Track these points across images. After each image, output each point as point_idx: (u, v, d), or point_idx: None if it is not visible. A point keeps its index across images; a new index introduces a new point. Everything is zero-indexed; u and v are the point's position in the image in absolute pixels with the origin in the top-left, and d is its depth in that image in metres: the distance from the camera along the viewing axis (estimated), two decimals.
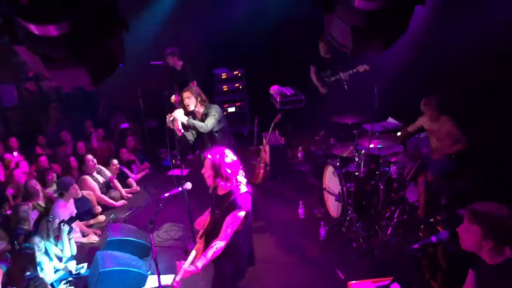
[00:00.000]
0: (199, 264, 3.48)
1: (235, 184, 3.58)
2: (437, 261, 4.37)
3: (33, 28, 1.11)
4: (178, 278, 3.54)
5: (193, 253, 3.75)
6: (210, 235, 3.65)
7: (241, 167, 3.68)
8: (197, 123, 5.32)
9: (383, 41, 1.34)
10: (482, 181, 5.35)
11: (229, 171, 3.54)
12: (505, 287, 2.59)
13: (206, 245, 3.64)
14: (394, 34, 1.34)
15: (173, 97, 6.59)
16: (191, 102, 5.40)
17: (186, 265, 3.58)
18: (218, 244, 3.49)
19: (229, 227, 3.49)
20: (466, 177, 5.57)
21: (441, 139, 5.74)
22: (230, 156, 3.62)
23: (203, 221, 3.95)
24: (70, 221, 5.52)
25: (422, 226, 5.45)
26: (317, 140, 8.26)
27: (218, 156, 3.58)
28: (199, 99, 5.42)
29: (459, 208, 4.99)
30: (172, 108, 6.18)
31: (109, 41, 1.21)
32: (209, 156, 3.61)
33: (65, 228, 5.38)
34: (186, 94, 5.41)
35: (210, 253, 3.48)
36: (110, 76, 1.33)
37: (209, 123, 5.32)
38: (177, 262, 3.68)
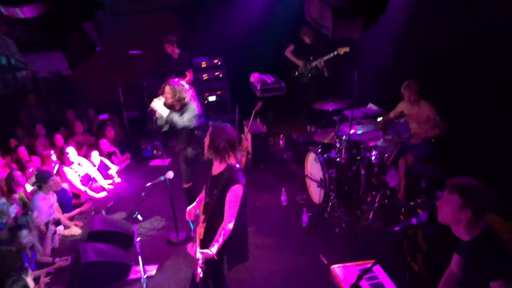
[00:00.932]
0: (214, 249, 3.43)
1: (229, 161, 3.58)
2: (418, 243, 4.45)
3: (6, 11, 1.08)
4: (200, 261, 3.41)
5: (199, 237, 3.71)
6: (213, 217, 3.60)
7: (238, 147, 3.70)
8: (174, 118, 5.22)
9: (363, 22, 1.34)
10: (459, 164, 5.44)
11: (222, 145, 3.55)
12: (487, 257, 2.64)
13: (209, 228, 3.62)
14: (373, 15, 1.34)
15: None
16: (169, 98, 5.28)
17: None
18: (227, 227, 3.47)
19: (231, 204, 3.49)
20: (445, 161, 5.66)
21: (421, 123, 5.80)
22: (229, 132, 3.62)
23: (195, 209, 3.92)
24: (56, 224, 5.51)
25: (402, 209, 5.51)
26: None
27: (218, 127, 3.62)
28: (175, 99, 5.25)
29: (438, 191, 5.08)
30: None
31: (86, 24, 1.19)
32: (212, 125, 3.69)
33: (51, 229, 5.39)
34: (166, 89, 5.29)
35: (221, 238, 3.47)
36: (87, 60, 1.30)
37: (186, 119, 5.23)
38: (190, 245, 3.68)
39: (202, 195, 3.89)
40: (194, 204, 3.95)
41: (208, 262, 3.50)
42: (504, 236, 2.80)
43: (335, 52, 7.13)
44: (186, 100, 5.27)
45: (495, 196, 2.69)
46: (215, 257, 3.44)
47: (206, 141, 3.65)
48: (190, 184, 5.61)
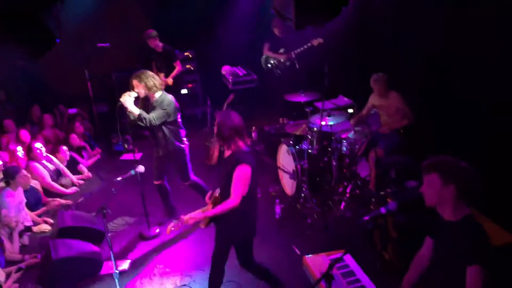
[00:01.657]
0: (208, 213, 3.67)
1: (237, 145, 3.71)
2: (388, 232, 4.54)
3: None
4: (185, 218, 3.68)
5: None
6: (223, 198, 3.76)
7: (245, 132, 3.81)
8: (143, 114, 5.03)
9: (326, 13, 1.36)
10: (427, 154, 5.55)
11: (228, 133, 3.66)
12: (469, 240, 2.68)
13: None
14: (336, 6, 1.35)
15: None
16: (140, 90, 5.10)
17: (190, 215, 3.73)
18: (230, 201, 3.62)
19: (237, 182, 3.60)
20: (414, 151, 5.77)
21: (390, 114, 5.90)
22: (234, 120, 3.73)
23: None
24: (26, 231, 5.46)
25: (373, 199, 5.62)
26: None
27: (223, 116, 3.76)
28: (148, 88, 5.08)
29: (407, 180, 5.18)
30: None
31: (44, 16, 1.16)
32: (217, 114, 3.88)
33: (20, 227, 5.29)
34: (134, 82, 5.10)
35: (219, 207, 3.65)
36: (48, 52, 1.27)
37: (156, 117, 5.07)
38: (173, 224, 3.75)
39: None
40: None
41: (223, 238, 3.85)
42: None
43: (309, 44, 7.14)
44: (157, 88, 5.15)
45: (473, 171, 2.67)
46: (204, 218, 3.69)
47: (215, 130, 3.78)
48: (160, 181, 5.57)
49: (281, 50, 7.76)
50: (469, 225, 2.70)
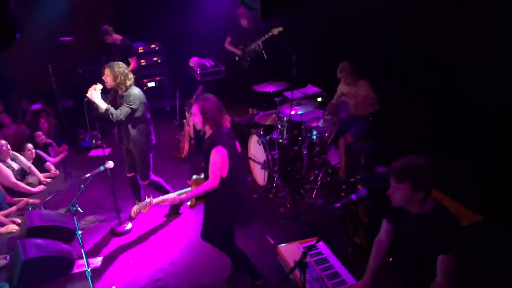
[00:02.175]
0: (183, 196, 3.76)
1: (219, 124, 3.81)
2: (359, 218, 4.62)
3: None
4: (154, 201, 3.74)
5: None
6: (206, 179, 3.82)
7: (225, 112, 3.90)
8: (109, 110, 4.95)
9: (292, 5, 1.36)
10: (395, 139, 5.67)
11: (215, 112, 3.79)
12: (433, 234, 2.78)
13: None
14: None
15: None
16: (108, 80, 5.04)
17: (162, 198, 3.82)
18: (208, 182, 3.69)
19: (212, 165, 3.68)
20: (382, 137, 5.87)
21: (359, 102, 5.96)
22: (213, 99, 3.86)
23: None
24: None
25: (344, 186, 5.71)
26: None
27: (202, 99, 3.84)
28: (117, 81, 5.01)
29: (376, 165, 5.27)
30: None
31: (2, 11, 1.12)
32: (195, 102, 3.87)
33: None
34: (106, 71, 5.04)
35: (196, 189, 3.73)
36: (7, 48, 1.22)
37: (122, 113, 4.98)
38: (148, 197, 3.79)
39: None
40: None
41: (215, 227, 3.92)
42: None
43: (270, 33, 7.16)
44: (129, 83, 5.07)
45: (435, 168, 2.78)
46: (179, 202, 3.82)
47: (197, 117, 3.82)
48: (133, 174, 5.51)
49: (241, 47, 7.79)
50: (438, 215, 2.79)
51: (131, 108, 5.03)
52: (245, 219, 4.15)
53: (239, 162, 4.01)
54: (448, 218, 2.77)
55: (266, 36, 7.23)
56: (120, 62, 5.14)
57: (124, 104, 5.02)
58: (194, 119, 3.92)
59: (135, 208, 3.79)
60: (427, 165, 2.78)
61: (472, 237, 4.12)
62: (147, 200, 3.76)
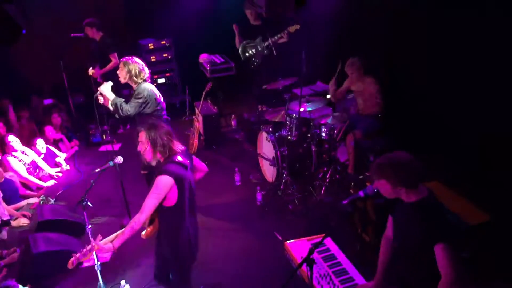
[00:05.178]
0: (116, 243, 3.30)
1: (175, 149, 3.45)
2: (367, 215, 4.60)
3: None
4: (86, 256, 3.32)
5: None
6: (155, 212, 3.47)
7: (175, 137, 3.53)
8: (120, 104, 4.97)
9: (294, 2, 1.35)
10: (404, 137, 5.64)
11: (165, 139, 3.40)
12: (415, 222, 2.79)
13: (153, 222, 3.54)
14: None
15: (90, 70, 6.14)
16: (121, 75, 5.09)
17: (104, 241, 3.36)
18: (136, 218, 3.28)
19: (150, 194, 3.28)
20: (391, 134, 5.84)
21: (365, 99, 5.94)
22: (161, 125, 3.49)
23: None
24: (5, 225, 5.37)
25: (352, 183, 5.69)
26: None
27: (150, 127, 3.44)
28: (129, 75, 5.05)
29: None
30: (95, 82, 5.87)
31: (8, 7, 1.12)
32: (142, 129, 3.47)
33: None
34: (120, 65, 5.10)
35: (127, 230, 3.29)
36: (13, 43, 1.23)
37: (131, 108, 4.99)
38: (92, 240, 3.36)
39: None
40: None
41: (162, 267, 3.66)
42: (445, 202, 2.93)
43: (286, 31, 7.11)
44: (141, 77, 5.09)
45: (419, 162, 2.78)
46: (115, 251, 3.34)
47: (146, 146, 3.42)
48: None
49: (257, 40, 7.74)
50: (424, 207, 2.79)
51: (139, 103, 5.01)
52: (193, 257, 3.74)
53: (192, 194, 3.56)
54: (433, 211, 2.77)
55: (282, 34, 7.15)
56: (135, 57, 5.16)
57: (133, 98, 5.04)
58: (141, 148, 3.48)
59: (72, 260, 3.38)
60: (406, 161, 2.77)
61: (479, 237, 4.12)
62: (83, 251, 3.35)
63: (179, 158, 3.44)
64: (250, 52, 7.78)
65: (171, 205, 3.39)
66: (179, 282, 3.76)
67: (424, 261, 2.76)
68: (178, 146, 3.51)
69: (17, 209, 6.02)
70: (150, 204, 3.29)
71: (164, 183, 3.28)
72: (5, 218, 5.64)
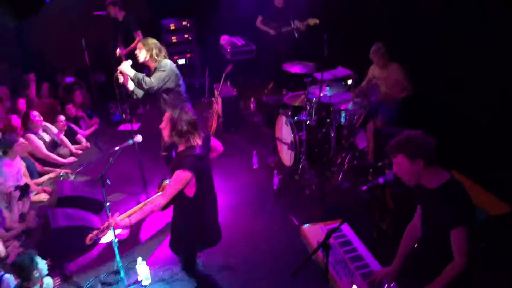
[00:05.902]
0: (133, 218, 3.41)
1: (194, 142, 3.46)
2: (385, 203, 4.57)
3: None
4: (104, 232, 3.43)
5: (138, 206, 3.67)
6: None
7: (200, 128, 3.54)
8: (142, 78, 4.97)
9: None
10: (426, 125, 5.54)
11: (185, 128, 3.42)
12: (441, 209, 2.75)
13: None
14: None
15: (118, 50, 6.14)
16: (141, 54, 5.07)
17: (122, 217, 3.46)
18: (157, 201, 3.43)
19: (170, 185, 3.41)
20: (413, 122, 5.75)
21: (389, 86, 5.85)
22: (188, 113, 3.49)
23: None
24: (24, 189, 5.40)
25: (371, 170, 5.64)
26: (267, 93, 8.29)
27: (177, 111, 3.48)
28: (150, 53, 5.04)
29: None
30: (120, 61, 5.90)
31: None
32: (169, 110, 3.54)
33: (16, 194, 5.26)
34: (138, 45, 5.10)
35: (147, 208, 3.44)
36: (36, 13, 1.22)
37: (155, 80, 4.97)
38: (110, 215, 3.51)
39: None
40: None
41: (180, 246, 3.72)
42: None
43: (305, 23, 7.10)
44: (162, 55, 5.09)
45: (431, 138, 2.77)
46: (131, 226, 3.46)
47: (166, 127, 3.50)
48: (166, 153, 5.53)
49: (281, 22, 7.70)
50: (447, 191, 2.75)
51: (163, 75, 5.00)
52: (207, 243, 3.82)
53: (210, 186, 3.68)
54: (455, 195, 2.73)
55: (301, 25, 7.14)
56: (152, 38, 5.16)
57: (157, 71, 5.03)
58: (162, 126, 3.57)
59: (92, 235, 3.46)
60: (421, 135, 2.78)
61: (500, 227, 4.05)
62: (101, 228, 3.45)
63: (198, 150, 3.48)
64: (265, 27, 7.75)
65: (190, 196, 3.48)
66: (185, 262, 3.89)
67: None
68: (199, 139, 3.50)
69: (38, 185, 6.13)
70: (170, 192, 3.40)
71: (183, 177, 3.37)
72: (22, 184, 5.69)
